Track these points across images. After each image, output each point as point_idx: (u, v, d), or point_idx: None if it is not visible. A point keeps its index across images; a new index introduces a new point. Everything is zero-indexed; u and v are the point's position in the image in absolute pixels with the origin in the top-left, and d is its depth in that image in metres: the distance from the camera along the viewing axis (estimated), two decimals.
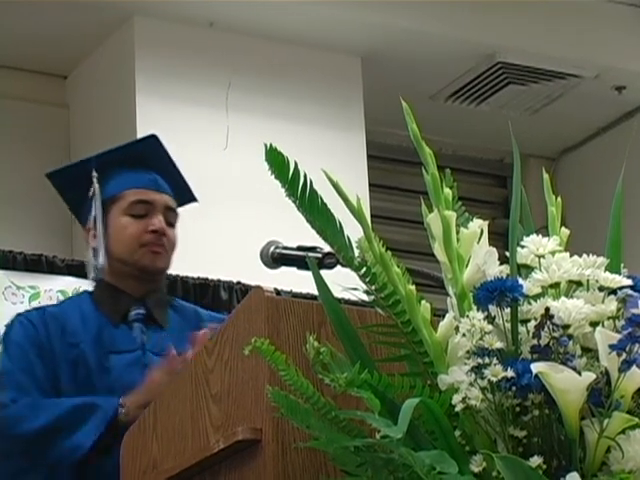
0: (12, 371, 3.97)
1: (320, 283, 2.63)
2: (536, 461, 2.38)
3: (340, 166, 8.36)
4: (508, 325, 2.49)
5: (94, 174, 4.25)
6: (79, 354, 3.95)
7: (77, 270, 6.90)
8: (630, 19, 9.52)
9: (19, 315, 4.19)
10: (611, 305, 2.51)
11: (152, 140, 4.40)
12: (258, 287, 2.92)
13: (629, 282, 2.57)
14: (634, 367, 2.40)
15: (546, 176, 2.94)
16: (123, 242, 4.16)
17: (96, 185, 4.22)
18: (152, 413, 3.20)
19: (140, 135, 8.19)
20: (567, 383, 2.40)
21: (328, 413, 2.47)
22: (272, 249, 3.97)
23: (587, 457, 2.43)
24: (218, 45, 8.68)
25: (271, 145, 2.55)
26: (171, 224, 4.24)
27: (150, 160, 4.33)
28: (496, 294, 2.47)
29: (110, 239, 4.18)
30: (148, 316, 4.19)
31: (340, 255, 2.63)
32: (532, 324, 2.47)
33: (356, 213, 2.63)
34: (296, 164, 2.58)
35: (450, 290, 2.61)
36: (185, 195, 4.47)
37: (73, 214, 4.51)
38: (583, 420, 2.43)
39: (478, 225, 2.65)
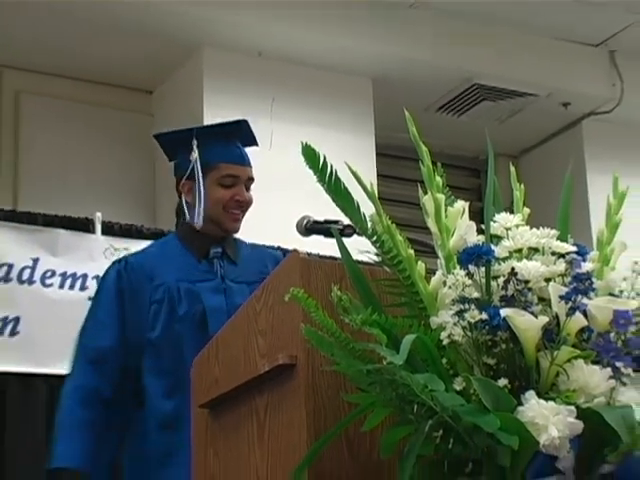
0: (96, 312, 3.94)
1: (342, 247, 2.65)
2: (503, 382, 2.38)
3: (355, 161, 8.27)
4: (483, 280, 2.50)
5: (194, 142, 4.21)
6: (166, 289, 3.91)
7: (159, 236, 6.94)
8: (574, 52, 9.52)
9: (112, 264, 4.18)
10: (560, 266, 2.52)
11: (242, 122, 4.40)
12: (295, 250, 2.94)
13: (574, 248, 2.59)
14: (577, 312, 2.41)
15: (512, 168, 2.98)
16: (212, 205, 4.17)
17: (195, 152, 4.21)
18: (215, 344, 3.23)
19: None
20: (527, 324, 2.40)
21: (347, 345, 2.47)
22: (305, 222, 3.99)
23: (541, 380, 2.43)
24: (265, 69, 8.68)
25: (307, 143, 2.58)
26: (248, 189, 4.27)
27: (238, 136, 4.35)
28: (474, 257, 2.48)
29: (195, 204, 4.19)
30: (224, 253, 4.19)
31: (357, 226, 2.66)
32: (501, 280, 2.48)
33: (369, 194, 2.65)
34: (325, 157, 2.61)
35: (439, 254, 2.62)
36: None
37: (174, 165, 4.52)
38: (539, 352, 2.43)
39: (461, 205, 2.68)
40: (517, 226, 2.64)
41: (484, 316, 2.42)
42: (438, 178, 2.68)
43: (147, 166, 8.81)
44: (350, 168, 2.69)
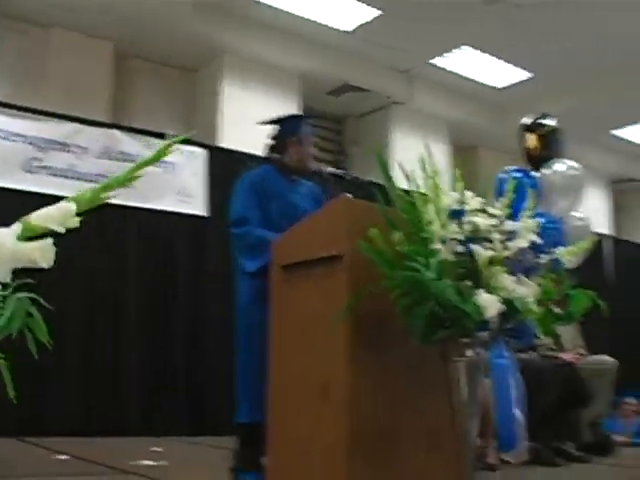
0: (241, 197, 3.39)
1: (382, 202, 2.27)
2: (468, 283, 2.10)
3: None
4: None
5: (301, 122, 3.58)
6: (277, 195, 3.35)
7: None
8: (392, 75, 9.12)
9: (241, 176, 3.49)
10: (494, 221, 2.20)
11: (307, 117, 3.77)
12: (344, 193, 2.57)
13: (499, 212, 2.26)
14: (510, 246, 2.12)
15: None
16: (297, 155, 3.47)
17: (302, 127, 3.52)
18: (290, 234, 2.72)
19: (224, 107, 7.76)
20: (482, 254, 2.13)
21: (392, 260, 2.13)
22: (326, 171, 3.56)
23: (485, 282, 2.13)
24: (244, 67, 8.16)
25: (379, 153, 2.19)
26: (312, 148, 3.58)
27: (309, 122, 3.67)
28: (457, 214, 2.16)
29: (293, 152, 3.47)
30: (298, 180, 3.50)
31: (393, 196, 2.25)
32: (468, 226, 2.16)
33: (391, 182, 2.29)
34: (386, 160, 2.23)
35: (433, 211, 2.26)
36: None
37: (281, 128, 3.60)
38: (485, 268, 2.13)
39: (446, 189, 2.29)
40: (470, 199, 2.29)
41: (462, 248, 2.11)
42: (438, 173, 2.27)
43: (190, 101, 8.26)
44: (380, 158, 2.31)
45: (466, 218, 2.20)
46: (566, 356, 4.44)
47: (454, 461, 2.22)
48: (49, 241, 0.80)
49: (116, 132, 6.44)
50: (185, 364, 6.41)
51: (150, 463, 3.61)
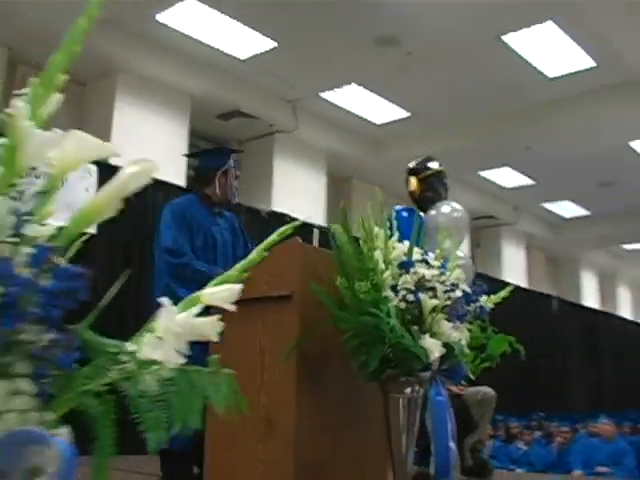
0: (175, 231, 3.46)
1: (335, 247, 2.46)
2: (415, 328, 2.32)
3: (177, 139, 8.02)
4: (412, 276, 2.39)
5: (232, 157, 3.63)
6: (201, 227, 3.41)
7: None
8: (281, 106, 9.37)
9: (169, 205, 3.52)
10: (436, 272, 2.44)
11: (234, 151, 3.82)
12: (296, 239, 2.73)
13: (436, 263, 2.50)
14: (452, 296, 2.36)
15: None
16: (223, 188, 3.54)
17: (231, 160, 3.62)
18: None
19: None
20: (428, 303, 2.35)
21: (346, 303, 2.32)
22: (267, 211, 3.69)
23: (427, 327, 2.36)
24: (135, 84, 8.13)
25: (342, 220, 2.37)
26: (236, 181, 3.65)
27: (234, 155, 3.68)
28: (408, 265, 2.38)
29: (219, 185, 3.55)
30: (220, 212, 3.56)
31: (351, 251, 2.43)
32: (415, 277, 2.38)
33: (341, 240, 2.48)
34: (348, 228, 2.41)
35: (381, 257, 2.47)
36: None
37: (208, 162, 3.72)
38: (429, 314, 2.37)
39: (394, 241, 2.52)
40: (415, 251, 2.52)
41: (412, 297, 2.33)
42: (379, 231, 2.49)
43: (83, 116, 8.10)
44: (344, 210, 2.50)
45: (414, 269, 2.43)
46: (452, 388, 4.80)
47: None
48: (218, 317, 0.95)
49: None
50: None
51: None
